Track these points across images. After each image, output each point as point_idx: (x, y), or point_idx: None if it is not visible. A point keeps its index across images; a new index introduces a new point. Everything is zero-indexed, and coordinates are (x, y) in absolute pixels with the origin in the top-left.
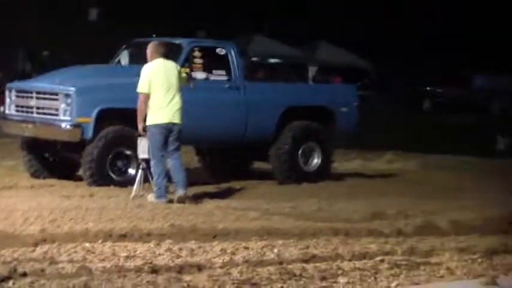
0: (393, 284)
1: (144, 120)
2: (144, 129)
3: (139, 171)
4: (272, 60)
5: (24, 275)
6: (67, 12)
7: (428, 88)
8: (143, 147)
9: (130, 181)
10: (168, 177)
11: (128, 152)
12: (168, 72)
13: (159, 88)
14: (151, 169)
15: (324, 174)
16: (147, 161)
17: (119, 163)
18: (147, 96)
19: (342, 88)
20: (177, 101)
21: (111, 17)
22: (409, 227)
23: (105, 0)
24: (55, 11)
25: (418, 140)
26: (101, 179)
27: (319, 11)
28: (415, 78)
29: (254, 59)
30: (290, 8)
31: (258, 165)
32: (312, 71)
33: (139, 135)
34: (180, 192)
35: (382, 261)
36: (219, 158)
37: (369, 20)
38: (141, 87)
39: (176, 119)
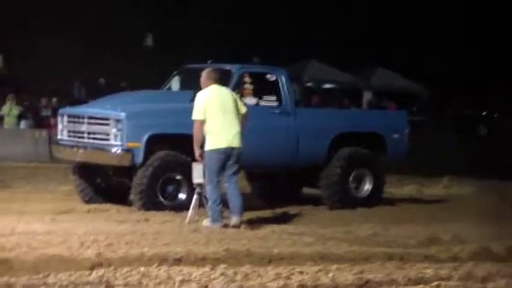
0: None
1: (202, 147)
2: (201, 155)
3: (195, 195)
4: (327, 86)
5: None
6: (122, 40)
7: (483, 113)
8: (198, 172)
9: (181, 206)
10: (224, 202)
11: (178, 177)
12: (222, 97)
13: (214, 113)
14: (208, 194)
15: (375, 199)
16: (201, 185)
17: (169, 188)
18: (202, 123)
19: (393, 114)
20: (234, 125)
21: (166, 44)
22: (465, 252)
23: (160, 28)
24: (110, 39)
25: (474, 165)
26: (151, 204)
27: (371, 38)
28: (470, 104)
29: (309, 84)
30: (346, 34)
31: (308, 190)
32: (366, 96)
33: (194, 160)
34: (234, 219)
35: (438, 286)
36: (270, 184)
37: (419, 46)
38: (196, 114)
39: (235, 143)
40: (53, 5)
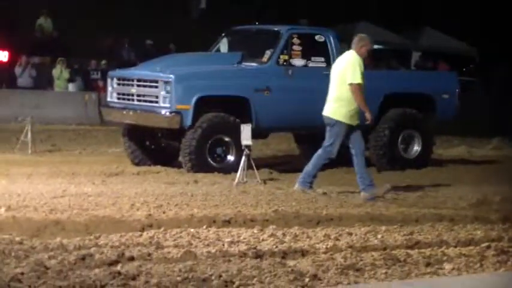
0: (501, 270)
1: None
2: None
3: (243, 157)
4: (376, 47)
5: (132, 259)
6: (172, 1)
7: None
8: (246, 134)
9: (229, 168)
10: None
11: (227, 139)
12: (336, 65)
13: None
14: None
15: (424, 161)
16: (249, 147)
17: (218, 150)
18: None
19: (443, 75)
20: (330, 94)
21: (216, 6)
22: None
23: None
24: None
25: None
26: (200, 166)
27: None
28: None
29: None
30: None
31: None
32: (415, 57)
33: (242, 122)
34: (297, 185)
35: (488, 247)
36: (319, 145)
37: (473, 4)
38: None
39: (326, 112)
40: None
